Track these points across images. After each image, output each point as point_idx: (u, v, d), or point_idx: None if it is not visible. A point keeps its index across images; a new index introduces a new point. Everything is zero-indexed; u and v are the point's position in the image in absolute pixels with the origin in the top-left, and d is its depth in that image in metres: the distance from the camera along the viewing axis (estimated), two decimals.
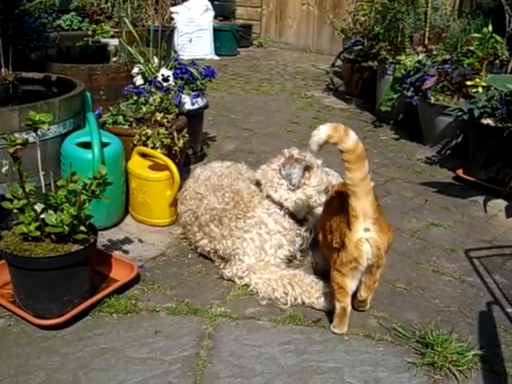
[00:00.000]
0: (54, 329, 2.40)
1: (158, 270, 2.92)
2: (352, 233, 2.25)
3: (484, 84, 4.32)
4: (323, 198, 2.86)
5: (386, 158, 4.77)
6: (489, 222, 3.61)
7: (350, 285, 2.36)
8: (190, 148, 4.32)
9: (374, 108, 6.21)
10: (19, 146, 2.19)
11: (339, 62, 7.55)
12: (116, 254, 2.93)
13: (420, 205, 3.84)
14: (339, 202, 2.42)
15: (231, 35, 10.05)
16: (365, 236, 2.25)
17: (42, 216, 2.43)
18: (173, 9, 9.47)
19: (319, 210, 2.87)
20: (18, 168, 2.25)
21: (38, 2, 6.31)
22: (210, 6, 9.69)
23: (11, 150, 2.19)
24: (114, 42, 5.71)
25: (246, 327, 2.48)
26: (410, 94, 5.12)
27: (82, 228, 2.45)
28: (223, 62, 9.35)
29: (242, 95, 7.13)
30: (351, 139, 2.14)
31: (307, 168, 2.84)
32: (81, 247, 2.42)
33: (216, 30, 9.76)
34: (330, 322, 2.52)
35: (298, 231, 2.93)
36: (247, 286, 2.75)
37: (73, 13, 7.62)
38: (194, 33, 9.31)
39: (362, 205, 2.20)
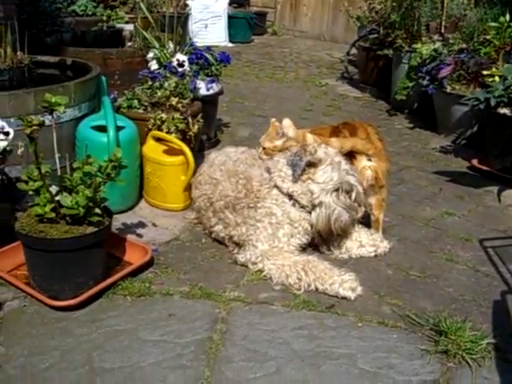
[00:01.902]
0: (68, 310, 2.41)
1: (171, 254, 2.92)
2: (357, 162, 2.95)
3: (501, 73, 4.27)
4: (329, 198, 2.77)
5: (400, 147, 4.75)
6: (503, 212, 3.58)
7: None
8: (204, 134, 4.32)
9: (388, 97, 6.18)
10: (36, 127, 2.19)
11: (354, 51, 7.52)
12: (130, 237, 2.93)
13: (434, 193, 3.82)
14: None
15: (245, 22, 10.02)
16: (367, 164, 2.95)
17: (58, 198, 2.43)
18: None
19: (323, 209, 2.79)
20: (34, 149, 2.26)
21: None
22: None
23: (28, 131, 2.19)
24: (129, 27, 5.71)
25: (259, 312, 2.48)
26: (425, 82, 5.08)
27: (97, 210, 2.45)
28: (237, 49, 9.32)
29: (255, 82, 7.12)
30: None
31: (313, 163, 2.77)
32: (95, 229, 2.43)
33: (230, 17, 9.73)
34: (344, 308, 2.52)
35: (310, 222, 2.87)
36: (261, 271, 2.75)
37: None
38: (209, 19, 9.29)
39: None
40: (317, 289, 2.63)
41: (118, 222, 3.16)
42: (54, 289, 2.45)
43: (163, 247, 2.98)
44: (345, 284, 2.60)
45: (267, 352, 2.24)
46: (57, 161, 2.61)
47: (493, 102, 3.97)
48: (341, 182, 2.77)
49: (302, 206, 2.83)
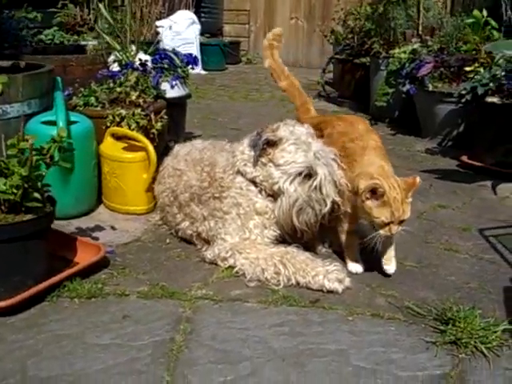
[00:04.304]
0: (2, 314, 2.01)
1: (130, 255, 2.54)
2: None
3: (484, 61, 4.02)
4: (287, 184, 2.35)
5: None
6: (501, 203, 3.27)
7: None
8: (172, 140, 3.97)
9: (367, 108, 5.89)
10: None
11: (330, 68, 7.31)
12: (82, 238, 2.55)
13: (424, 189, 3.47)
14: None
15: (219, 49, 9.80)
16: None
17: None
18: (158, 23, 9.21)
19: (284, 198, 2.36)
20: None
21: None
22: (195, 19, 9.45)
23: None
24: (94, 42, 5.43)
25: (231, 310, 2.10)
26: (406, 88, 4.79)
27: (36, 195, 2.08)
28: (211, 76, 9.08)
29: (229, 102, 6.84)
30: None
31: (273, 142, 2.38)
32: (34, 217, 2.05)
33: (203, 45, 9.51)
34: (331, 302, 2.16)
35: None
36: (232, 267, 2.37)
37: (55, 27, 7.36)
38: (180, 46, 9.05)
39: None
40: (298, 283, 2.26)
41: (71, 226, 2.79)
42: None
43: (121, 249, 2.60)
44: (330, 275, 2.23)
45: (241, 352, 1.85)
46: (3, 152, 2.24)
47: (480, 91, 3.70)
48: (307, 167, 2.34)
49: (269, 195, 2.45)
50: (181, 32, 9.24)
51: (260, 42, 10.93)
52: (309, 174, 2.33)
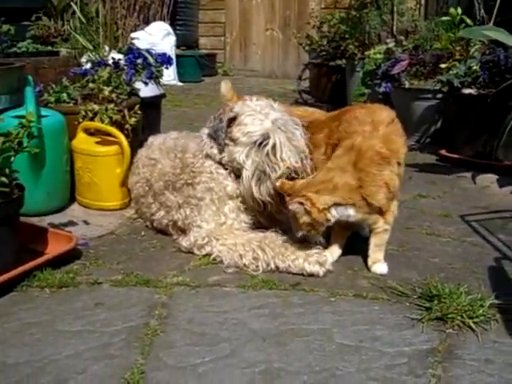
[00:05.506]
0: None
1: (104, 247, 2.45)
2: None
3: (459, 57, 4.02)
4: (244, 156, 2.28)
5: None
6: (481, 191, 3.24)
7: None
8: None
9: None
10: None
11: (307, 76, 7.30)
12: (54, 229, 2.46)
13: (404, 181, 3.43)
14: None
15: (195, 61, 9.77)
16: None
17: None
18: (133, 34, 9.15)
19: (243, 172, 2.29)
20: None
21: None
22: (170, 30, 9.42)
23: None
24: (68, 50, 5.37)
25: (208, 294, 2.03)
26: (382, 87, 4.77)
27: (3, 179, 1.99)
28: (187, 87, 9.04)
29: (206, 109, 6.76)
30: None
31: (231, 120, 2.32)
32: (1, 201, 1.96)
33: (179, 57, 9.48)
34: (312, 284, 2.09)
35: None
36: (209, 255, 2.29)
37: (29, 40, 7.28)
38: None
39: None
40: (277, 267, 2.18)
41: (43, 222, 2.69)
42: None
43: (94, 241, 2.50)
44: (310, 258, 2.16)
45: (219, 334, 1.78)
46: None
47: (456, 83, 3.69)
48: (261, 134, 2.25)
49: (238, 176, 2.36)
50: (156, 43, 9.15)
51: (236, 54, 10.97)
52: (264, 141, 2.25)
